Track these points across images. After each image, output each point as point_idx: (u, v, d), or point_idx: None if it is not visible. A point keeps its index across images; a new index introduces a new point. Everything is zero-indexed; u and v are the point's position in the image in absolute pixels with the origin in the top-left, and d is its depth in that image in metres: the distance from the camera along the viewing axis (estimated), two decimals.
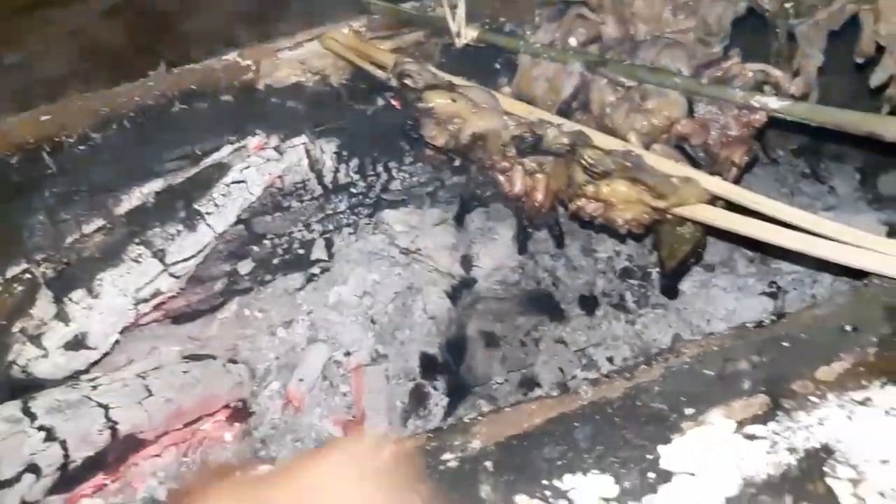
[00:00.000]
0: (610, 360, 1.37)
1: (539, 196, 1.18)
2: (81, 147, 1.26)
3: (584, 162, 1.05)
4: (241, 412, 1.30)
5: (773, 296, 1.45)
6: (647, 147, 1.13)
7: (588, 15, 1.25)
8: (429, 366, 1.35)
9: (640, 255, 1.60)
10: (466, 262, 1.48)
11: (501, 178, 1.21)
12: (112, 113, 1.28)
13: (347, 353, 1.35)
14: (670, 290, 1.43)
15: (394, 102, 1.36)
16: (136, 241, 1.21)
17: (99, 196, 1.29)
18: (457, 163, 1.34)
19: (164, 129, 1.31)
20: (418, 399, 1.32)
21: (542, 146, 1.13)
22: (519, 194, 1.20)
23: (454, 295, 1.44)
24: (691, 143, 1.14)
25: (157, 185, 1.29)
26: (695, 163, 1.16)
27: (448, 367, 1.36)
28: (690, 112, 1.14)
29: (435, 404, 1.32)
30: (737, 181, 1.13)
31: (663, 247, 1.20)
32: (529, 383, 1.34)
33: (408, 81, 1.22)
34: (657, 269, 1.57)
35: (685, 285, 1.51)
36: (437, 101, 1.19)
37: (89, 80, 1.54)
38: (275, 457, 1.25)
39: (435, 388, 1.33)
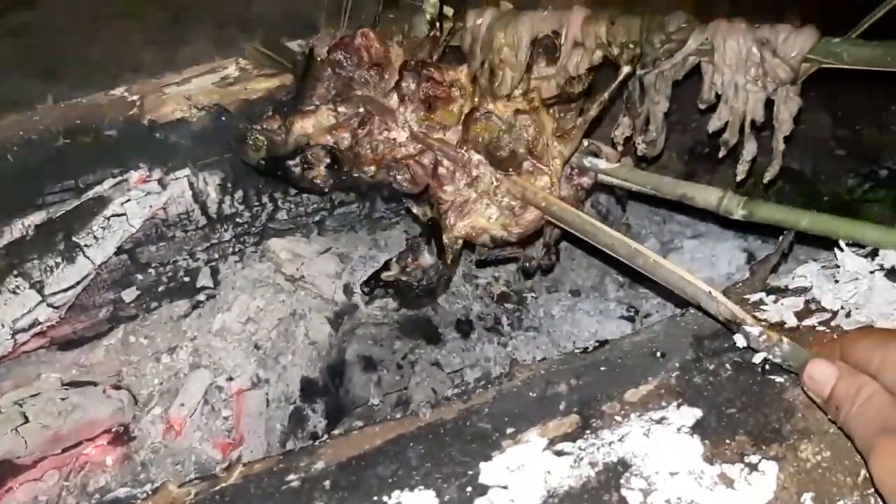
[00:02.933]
0: (477, 380, 1.45)
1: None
2: None
3: None
4: (122, 437, 1.34)
5: (630, 319, 1.57)
6: None
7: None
8: (309, 389, 1.41)
9: (517, 280, 1.70)
10: (348, 289, 1.54)
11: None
12: None
13: (230, 378, 1.39)
14: None
15: None
16: (14, 273, 1.24)
17: None
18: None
19: (47, 163, 1.34)
20: (297, 422, 1.38)
21: None
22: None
23: (336, 321, 1.50)
24: None
25: (38, 217, 1.31)
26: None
27: (327, 390, 1.42)
28: None
29: (314, 426, 1.38)
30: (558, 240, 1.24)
31: None
32: (404, 404, 1.42)
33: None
34: (532, 294, 1.68)
35: (555, 309, 1.62)
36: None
37: None
38: (154, 480, 1.28)
39: (314, 411, 1.39)
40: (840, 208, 1.88)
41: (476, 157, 1.13)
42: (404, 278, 1.10)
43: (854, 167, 1.99)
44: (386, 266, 1.11)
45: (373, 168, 1.19)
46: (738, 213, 1.01)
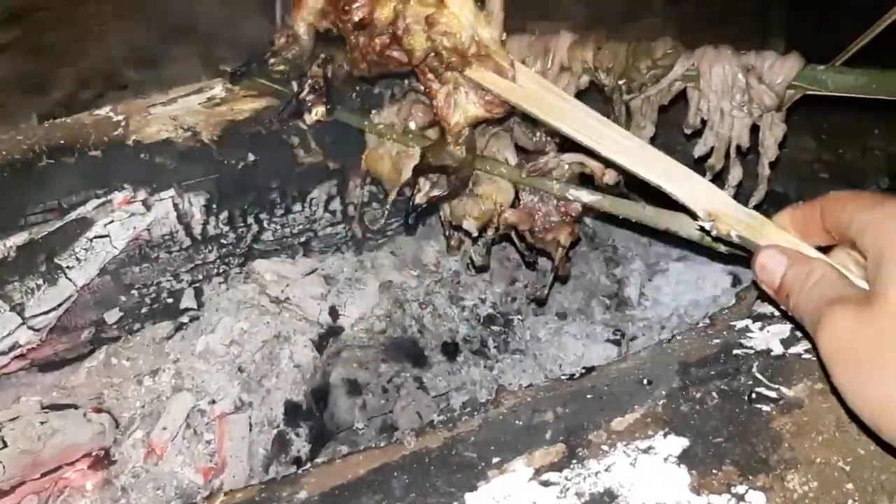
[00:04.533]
0: (464, 405, 1.44)
1: None
2: None
3: None
4: (102, 461, 1.31)
5: (616, 343, 1.57)
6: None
7: (424, 100, 1.33)
8: (293, 413, 1.39)
9: (503, 302, 1.70)
10: (334, 311, 1.53)
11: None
12: None
13: (212, 402, 1.38)
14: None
15: None
16: None
17: None
18: None
19: (29, 183, 1.33)
20: (281, 446, 1.36)
21: None
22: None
23: (321, 343, 1.49)
24: (519, 230, 1.23)
25: (20, 238, 1.30)
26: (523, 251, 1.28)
27: (311, 414, 1.41)
28: (517, 197, 1.24)
29: (297, 451, 1.37)
30: (563, 259, 1.24)
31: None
32: (389, 429, 1.41)
33: None
34: (518, 316, 1.67)
35: (541, 332, 1.62)
36: None
37: None
38: None
39: (297, 435, 1.38)
40: None
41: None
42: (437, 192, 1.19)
43: (838, 190, 2.00)
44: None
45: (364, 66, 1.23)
46: (721, 247, 1.01)
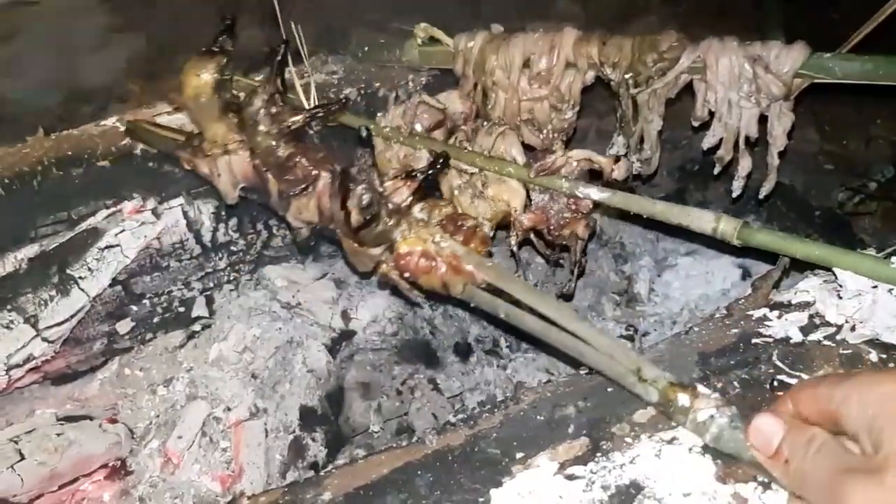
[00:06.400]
0: (481, 403, 1.44)
1: None
2: None
3: None
4: (119, 471, 1.31)
5: (630, 338, 1.56)
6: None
7: (430, 102, 1.33)
8: (308, 418, 1.39)
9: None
10: (345, 315, 1.53)
11: None
12: None
13: (227, 409, 1.37)
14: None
15: None
16: (8, 307, 1.23)
17: None
18: None
19: (39, 195, 1.33)
20: (297, 452, 1.36)
21: None
22: None
23: (333, 348, 1.49)
24: (537, 230, 1.23)
25: (31, 250, 1.30)
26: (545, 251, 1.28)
27: (327, 418, 1.40)
28: (528, 197, 1.23)
29: (314, 456, 1.36)
30: (583, 251, 1.23)
31: None
32: (405, 430, 1.40)
33: None
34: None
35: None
36: None
37: None
38: None
39: (314, 440, 1.37)
40: (832, 222, 1.88)
41: None
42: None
43: (843, 181, 2.00)
44: None
45: None
46: (734, 240, 1.01)
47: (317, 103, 1.37)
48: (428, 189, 1.13)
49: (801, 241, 0.97)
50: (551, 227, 1.20)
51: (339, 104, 1.33)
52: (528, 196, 1.24)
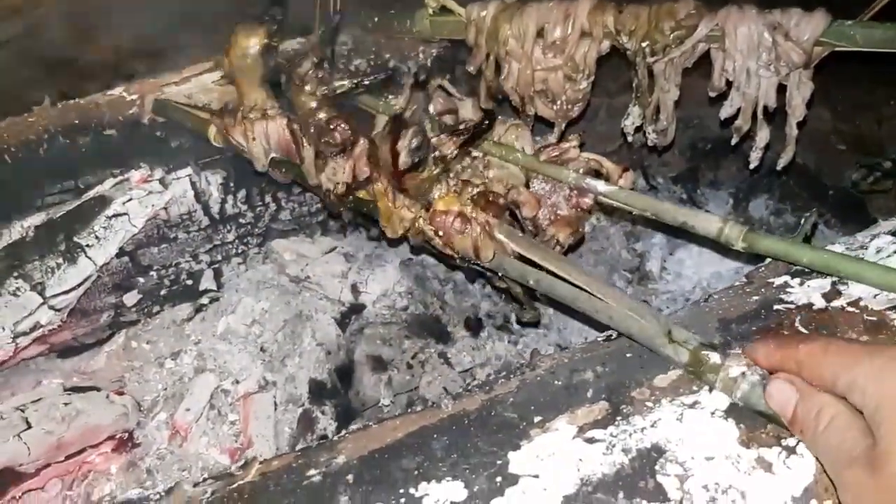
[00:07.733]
0: (496, 372, 1.43)
1: None
2: None
3: None
4: (126, 443, 1.30)
5: None
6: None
7: (448, 89, 1.30)
8: (317, 391, 1.38)
9: None
10: (355, 289, 1.52)
11: None
12: None
13: (236, 382, 1.36)
14: None
15: None
16: (15, 274, 1.21)
17: None
18: None
19: (46, 164, 1.31)
20: (306, 424, 1.34)
21: None
22: None
23: (343, 321, 1.48)
24: (522, 214, 1.20)
25: (37, 219, 1.28)
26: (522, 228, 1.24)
27: (336, 391, 1.39)
28: (527, 187, 1.20)
29: (323, 429, 1.35)
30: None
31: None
32: (416, 403, 1.39)
33: None
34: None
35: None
36: None
37: None
38: (160, 487, 1.25)
39: (323, 413, 1.36)
40: (846, 201, 1.87)
41: None
42: None
43: (857, 160, 1.98)
44: None
45: None
46: (739, 245, 0.98)
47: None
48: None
49: (808, 248, 0.94)
50: (539, 218, 1.18)
51: (385, 74, 1.40)
52: (528, 186, 1.21)
